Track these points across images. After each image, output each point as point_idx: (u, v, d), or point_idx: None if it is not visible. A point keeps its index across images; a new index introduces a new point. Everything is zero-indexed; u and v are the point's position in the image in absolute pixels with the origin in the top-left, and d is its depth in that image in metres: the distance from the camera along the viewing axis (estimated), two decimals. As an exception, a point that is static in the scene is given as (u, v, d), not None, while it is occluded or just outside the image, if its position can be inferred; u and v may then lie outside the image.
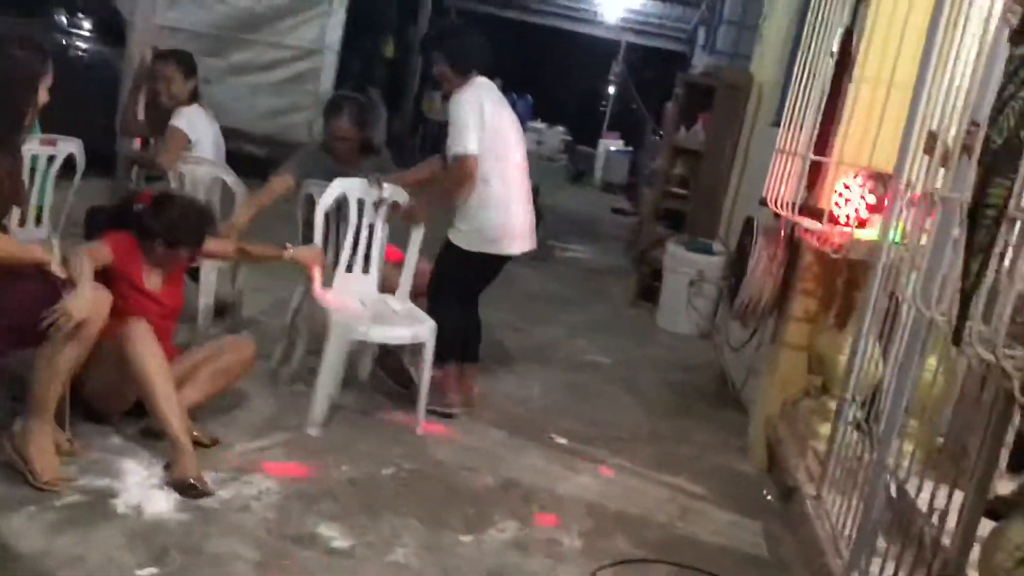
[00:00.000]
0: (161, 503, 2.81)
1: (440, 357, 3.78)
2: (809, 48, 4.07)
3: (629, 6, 14.86)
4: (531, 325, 5.87)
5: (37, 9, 6.52)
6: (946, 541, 2.37)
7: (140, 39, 6.01)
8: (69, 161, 3.87)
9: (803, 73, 4.07)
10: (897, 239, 3.03)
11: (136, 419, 3.18)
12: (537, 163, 10.29)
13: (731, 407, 4.89)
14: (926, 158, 2.79)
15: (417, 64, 13.41)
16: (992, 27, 2.31)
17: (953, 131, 2.59)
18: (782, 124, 4.27)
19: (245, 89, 8.95)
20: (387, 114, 12.59)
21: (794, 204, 3.84)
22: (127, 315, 3.04)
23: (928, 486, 2.50)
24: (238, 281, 4.48)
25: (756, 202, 4.46)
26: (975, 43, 2.53)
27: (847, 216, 3.74)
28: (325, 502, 3.03)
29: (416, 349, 3.79)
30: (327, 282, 3.77)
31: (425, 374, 3.71)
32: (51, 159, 3.75)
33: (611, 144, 16.18)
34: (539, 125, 13.30)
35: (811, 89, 3.94)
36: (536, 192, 10.36)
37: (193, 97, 4.34)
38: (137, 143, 5.11)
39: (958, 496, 2.40)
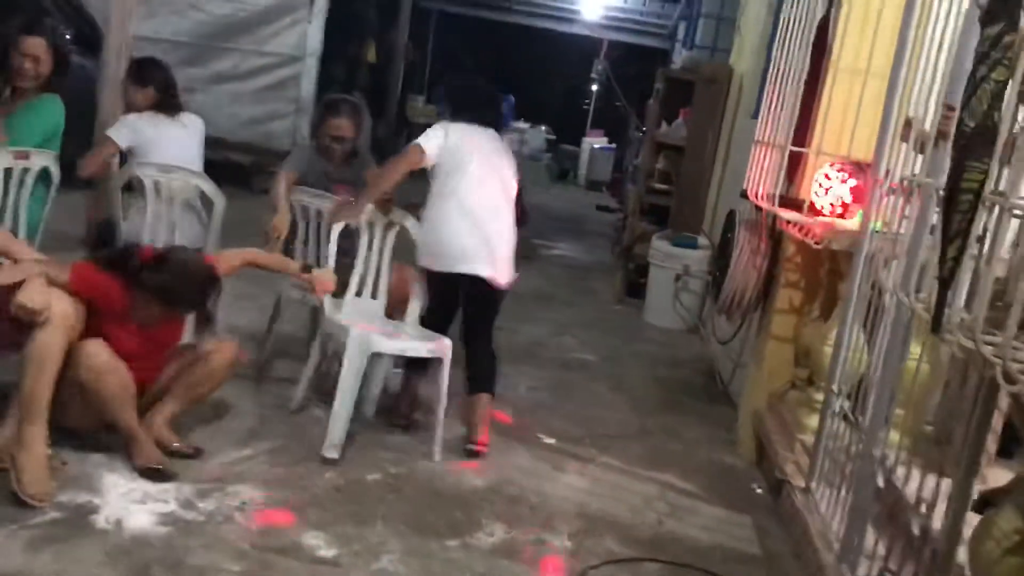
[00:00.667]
0: (143, 517, 2.77)
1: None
2: (785, 39, 4.06)
3: (609, 3, 14.86)
4: (516, 324, 5.83)
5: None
6: (936, 530, 2.36)
7: (115, 50, 5.97)
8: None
9: (780, 64, 4.06)
10: (877, 228, 3.02)
11: (117, 434, 3.13)
12: (520, 163, 10.30)
13: (719, 402, 4.88)
14: (904, 146, 2.78)
15: (400, 68, 13.38)
16: (964, 9, 2.30)
17: (929, 118, 2.58)
18: (760, 115, 4.26)
19: (226, 97, 8.92)
20: (371, 119, 12.55)
21: (774, 196, 3.83)
22: (112, 346, 2.99)
23: (916, 476, 2.49)
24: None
25: (738, 195, 4.45)
26: (949, 28, 2.52)
27: (827, 206, 3.73)
28: (310, 510, 3.00)
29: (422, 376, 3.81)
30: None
31: (442, 394, 3.59)
32: (25, 171, 3.70)
33: (595, 142, 16.18)
34: (522, 125, 13.28)
35: (788, 80, 3.93)
36: (520, 191, 10.36)
37: (159, 105, 4.26)
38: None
39: (947, 485, 2.38)
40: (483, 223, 3.70)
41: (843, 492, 2.96)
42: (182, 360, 3.27)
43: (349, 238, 3.86)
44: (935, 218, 2.34)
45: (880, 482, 2.70)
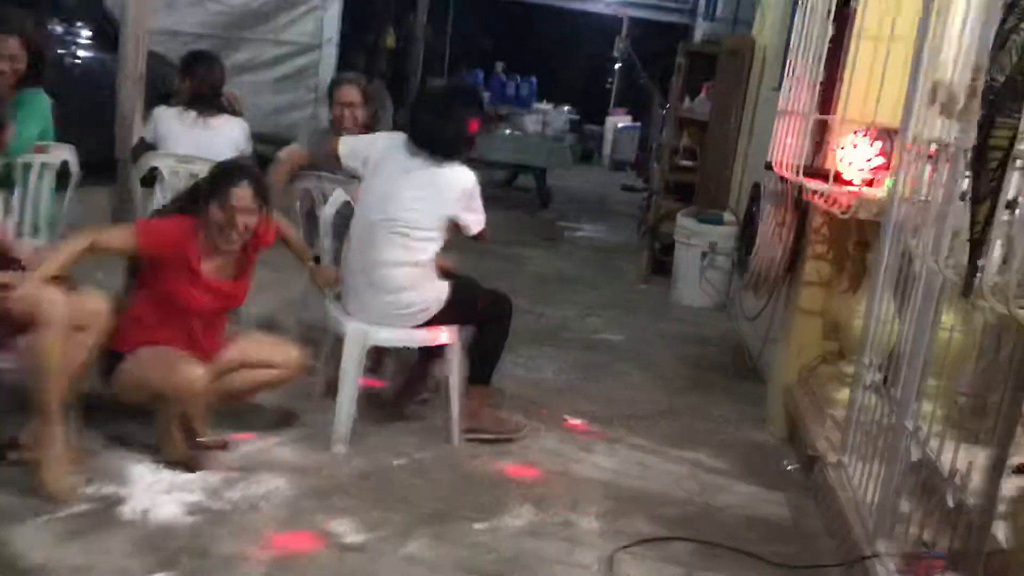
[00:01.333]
0: (169, 507, 2.78)
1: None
2: (808, 7, 3.97)
3: (629, -20, 14.72)
4: (541, 307, 5.80)
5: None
6: (972, 501, 2.30)
7: (132, 44, 5.98)
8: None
9: (803, 32, 3.97)
10: (906, 194, 2.94)
11: (146, 425, 3.13)
12: (542, 144, 10.24)
13: (749, 379, 4.81)
14: (931, 110, 2.70)
15: (419, 52, 13.32)
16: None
17: (957, 79, 2.49)
18: (783, 85, 4.18)
19: (247, 88, 8.86)
20: (392, 105, 12.52)
21: (799, 166, 3.75)
22: (178, 305, 3.01)
23: (950, 447, 2.42)
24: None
25: (763, 168, 4.37)
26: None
27: (854, 175, 3.65)
28: (337, 497, 2.99)
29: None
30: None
31: (455, 378, 3.50)
32: (44, 167, 3.71)
33: (619, 121, 16.04)
34: (544, 106, 13.17)
35: (811, 48, 3.84)
36: (542, 173, 10.30)
37: (191, 101, 4.25)
38: None
39: (982, 456, 2.32)
40: (364, 270, 3.41)
41: (876, 466, 2.90)
42: (251, 351, 3.23)
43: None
44: (965, 183, 2.27)
45: (914, 454, 2.64)
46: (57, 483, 2.72)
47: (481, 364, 3.56)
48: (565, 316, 5.78)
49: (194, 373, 2.93)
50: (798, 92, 3.92)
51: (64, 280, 2.85)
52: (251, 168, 3.23)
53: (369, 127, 4.19)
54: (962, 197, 2.32)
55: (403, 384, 3.86)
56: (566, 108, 13.84)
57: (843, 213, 3.45)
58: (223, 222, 3.01)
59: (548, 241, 8.37)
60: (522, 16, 16.37)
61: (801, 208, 3.96)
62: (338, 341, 3.43)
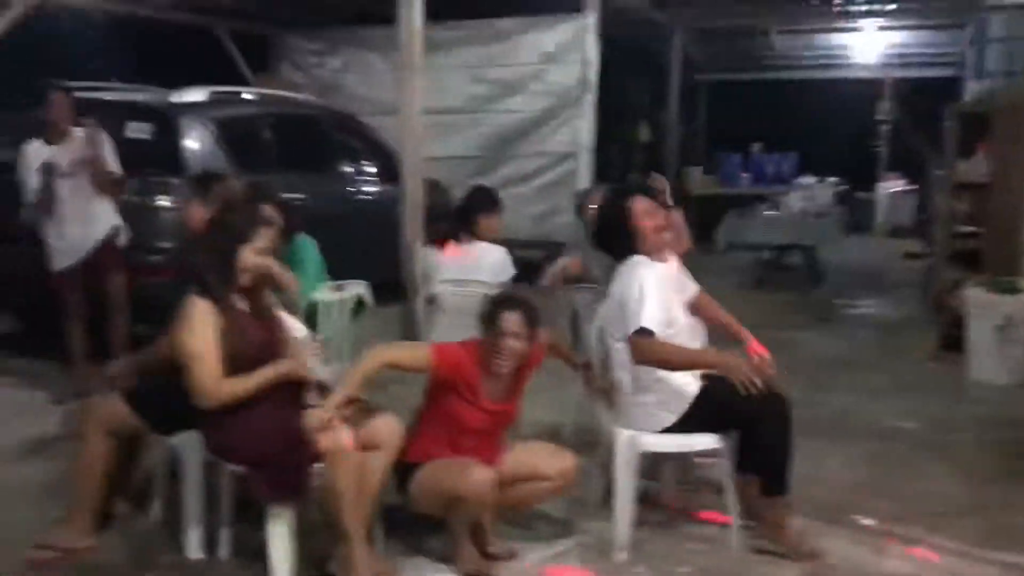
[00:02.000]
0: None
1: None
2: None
3: (889, 42, 14.11)
4: (821, 393, 5.56)
5: (326, 163, 7.34)
6: None
7: (411, 174, 6.57)
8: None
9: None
10: None
11: (441, 535, 3.36)
12: (807, 221, 9.92)
13: (1070, 465, 4.33)
14: None
15: (674, 143, 13.50)
16: None
17: None
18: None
19: (512, 200, 9.37)
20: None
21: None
22: (459, 424, 3.24)
23: None
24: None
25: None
26: None
27: None
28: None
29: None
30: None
31: (729, 481, 3.44)
32: (342, 303, 4.18)
33: (891, 186, 15.22)
34: (808, 181, 12.78)
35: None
36: (812, 251, 9.95)
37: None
38: None
39: None
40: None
41: None
42: (524, 463, 3.33)
43: None
44: None
45: None
46: None
47: (772, 472, 3.38)
48: (848, 402, 5.50)
49: (485, 476, 3.10)
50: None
51: (360, 403, 3.17)
52: (523, 297, 3.40)
53: None
54: None
55: (677, 489, 3.86)
56: (831, 180, 13.35)
57: None
58: (494, 347, 3.21)
59: (823, 321, 8.03)
60: (778, 93, 16.14)
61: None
62: (612, 447, 3.51)
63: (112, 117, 5.90)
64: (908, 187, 15.05)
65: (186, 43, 9.20)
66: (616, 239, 3.55)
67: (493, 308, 3.27)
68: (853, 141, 17.47)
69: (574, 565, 3.33)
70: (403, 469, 3.23)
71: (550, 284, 4.25)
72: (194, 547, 3.31)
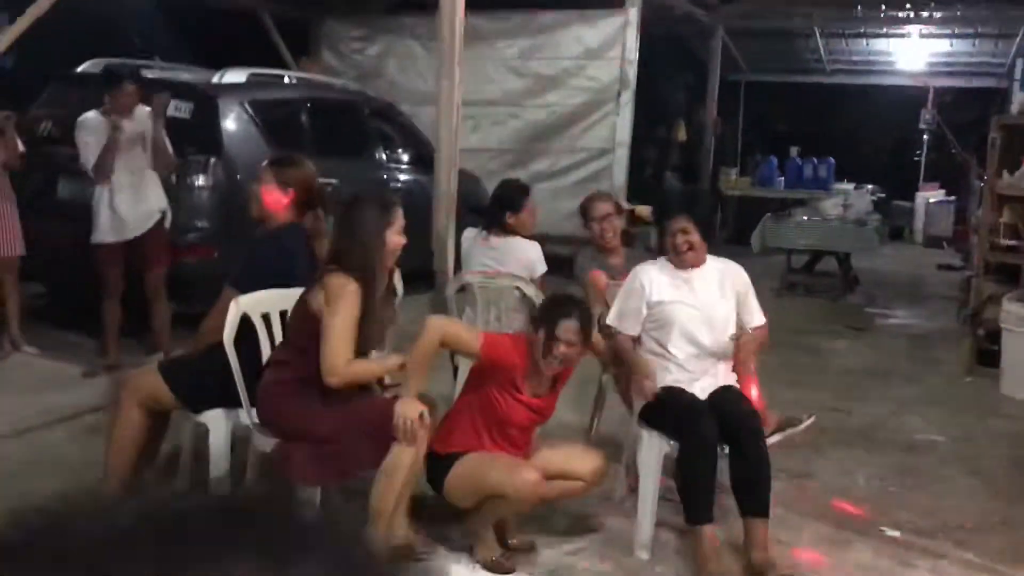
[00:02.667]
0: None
1: None
2: None
3: (934, 50, 13.91)
4: (851, 403, 5.50)
5: (362, 150, 7.37)
6: None
7: (445, 165, 6.57)
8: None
9: None
10: None
11: (461, 524, 3.37)
12: (843, 227, 9.81)
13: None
14: None
15: (711, 143, 13.40)
16: None
17: None
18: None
19: (546, 194, 9.38)
20: (687, 198, 12.70)
21: None
22: (496, 415, 3.23)
23: None
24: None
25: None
26: None
27: None
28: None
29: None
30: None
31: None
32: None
33: (930, 195, 15.00)
34: (845, 187, 12.63)
35: None
36: (846, 258, 9.83)
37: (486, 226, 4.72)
38: None
39: None
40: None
41: None
42: (554, 461, 3.32)
43: None
44: None
45: None
46: None
47: (739, 491, 3.30)
48: (877, 414, 5.43)
49: (533, 477, 3.09)
50: None
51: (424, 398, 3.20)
52: (582, 302, 3.37)
53: (628, 240, 4.29)
54: None
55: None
56: (869, 187, 13.19)
57: None
58: (546, 348, 3.18)
59: (855, 330, 7.94)
60: (818, 97, 15.97)
61: None
62: (636, 447, 3.49)
63: (153, 95, 5.99)
64: (947, 197, 14.85)
65: (228, 25, 9.25)
66: None
67: (551, 311, 3.23)
68: (893, 148, 17.27)
69: (594, 561, 3.31)
70: (435, 459, 3.22)
71: (583, 279, 4.23)
72: (217, 524, 3.33)
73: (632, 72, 9.21)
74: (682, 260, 3.59)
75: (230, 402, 3.29)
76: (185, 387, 3.32)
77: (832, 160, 13.47)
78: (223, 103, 5.92)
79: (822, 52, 14.76)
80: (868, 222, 9.91)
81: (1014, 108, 9.14)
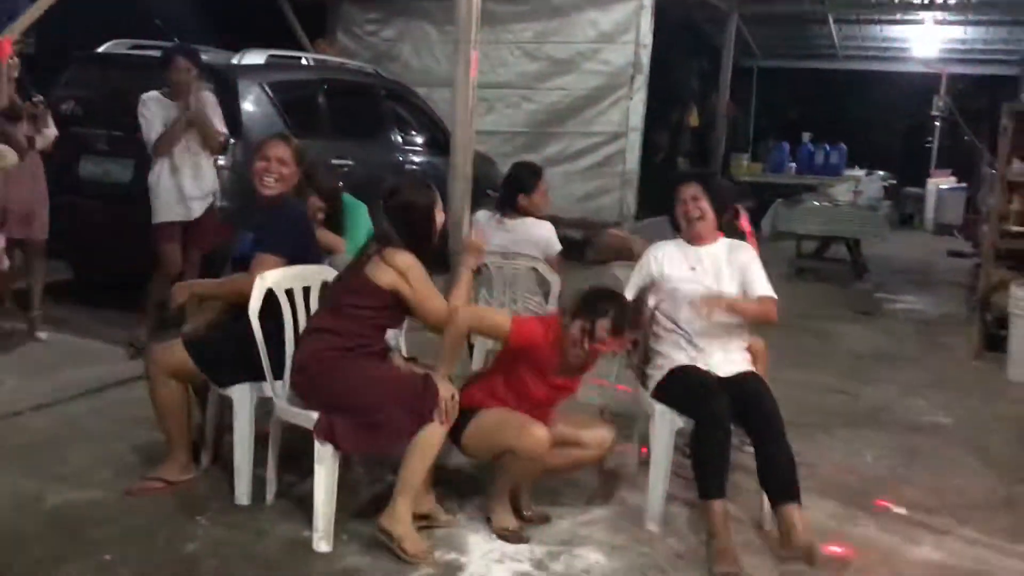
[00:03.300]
0: (503, 575, 3.05)
1: None
2: None
3: (948, 36, 13.89)
4: (858, 386, 5.58)
5: (377, 132, 7.43)
6: None
7: (461, 146, 6.64)
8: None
9: None
10: None
11: (478, 495, 3.47)
12: (854, 213, 9.84)
13: (1106, 468, 4.32)
14: None
15: (723, 129, 13.42)
16: None
17: None
18: None
19: (559, 178, 9.44)
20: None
21: None
22: (521, 391, 3.32)
23: None
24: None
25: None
26: None
27: None
28: (652, 575, 3.11)
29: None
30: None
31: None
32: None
33: (941, 182, 15.00)
34: (856, 173, 12.65)
35: None
36: (856, 244, 9.86)
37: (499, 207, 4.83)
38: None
39: None
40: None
41: None
42: (565, 431, 3.41)
43: None
44: None
45: None
46: (413, 549, 3.09)
47: (765, 478, 3.36)
48: (885, 396, 5.51)
49: (542, 434, 3.19)
50: None
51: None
52: (621, 299, 3.41)
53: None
54: None
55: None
56: (880, 173, 13.20)
57: None
58: (579, 341, 3.24)
59: (864, 315, 8.00)
60: (831, 84, 15.96)
61: None
62: (648, 421, 3.58)
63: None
64: (958, 184, 14.84)
65: (245, 7, 9.31)
66: None
67: (589, 306, 3.27)
68: (905, 135, 17.26)
69: (606, 533, 3.40)
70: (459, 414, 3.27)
71: (596, 258, 4.33)
72: (243, 494, 3.45)
73: (646, 56, 9.25)
74: (692, 228, 3.65)
75: (252, 374, 3.38)
76: (208, 360, 3.42)
77: (844, 146, 13.49)
78: (242, 84, 5.99)
79: (835, 38, 14.75)
80: (878, 208, 9.95)
81: (1026, 95, 9.14)
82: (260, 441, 3.46)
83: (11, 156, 4.82)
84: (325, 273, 3.60)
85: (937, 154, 15.86)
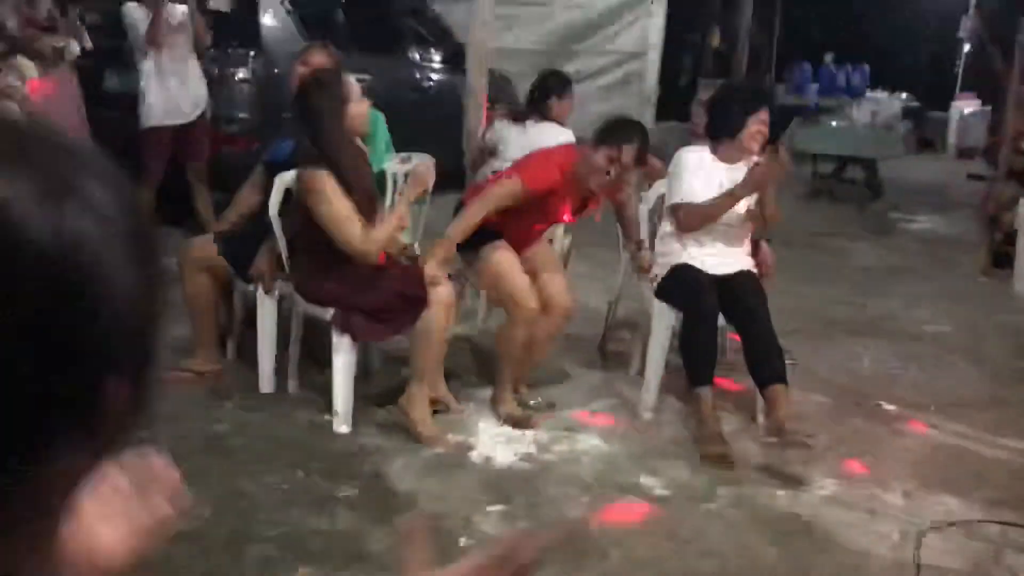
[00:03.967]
0: (507, 456, 3.27)
1: None
2: None
3: (977, -47, 13.63)
4: (864, 298, 5.71)
5: (395, 48, 7.51)
6: None
7: (476, 64, 6.71)
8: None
9: None
10: None
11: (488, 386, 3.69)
12: (870, 133, 9.84)
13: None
14: None
15: (745, 51, 13.30)
16: None
17: None
18: None
19: (577, 98, 9.48)
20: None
21: None
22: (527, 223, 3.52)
23: None
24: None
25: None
26: None
27: None
28: (650, 459, 3.32)
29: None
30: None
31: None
32: (407, 175, 4.40)
33: (965, 106, 14.84)
34: (878, 95, 12.57)
35: None
36: (873, 164, 9.85)
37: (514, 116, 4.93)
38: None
39: None
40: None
41: None
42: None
43: None
44: None
45: None
46: (428, 431, 3.32)
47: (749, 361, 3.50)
48: (890, 307, 5.64)
49: (533, 306, 3.43)
50: None
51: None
52: (645, 131, 3.52)
53: None
54: None
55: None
56: (902, 95, 13.08)
57: None
58: (600, 166, 3.36)
59: (877, 233, 8.09)
60: (856, 4, 15.70)
61: None
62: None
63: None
64: (982, 108, 14.67)
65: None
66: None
67: (614, 132, 3.38)
68: (930, 58, 17.00)
69: (605, 421, 3.61)
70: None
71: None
72: (267, 382, 3.67)
73: (665, -26, 9.21)
74: (751, 152, 3.58)
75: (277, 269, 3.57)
76: (235, 255, 3.61)
77: (867, 68, 13.38)
78: (263, -1, 6.08)
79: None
80: (896, 128, 9.93)
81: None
82: (282, 333, 3.67)
83: (29, 69, 4.94)
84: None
85: (963, 77, 15.65)
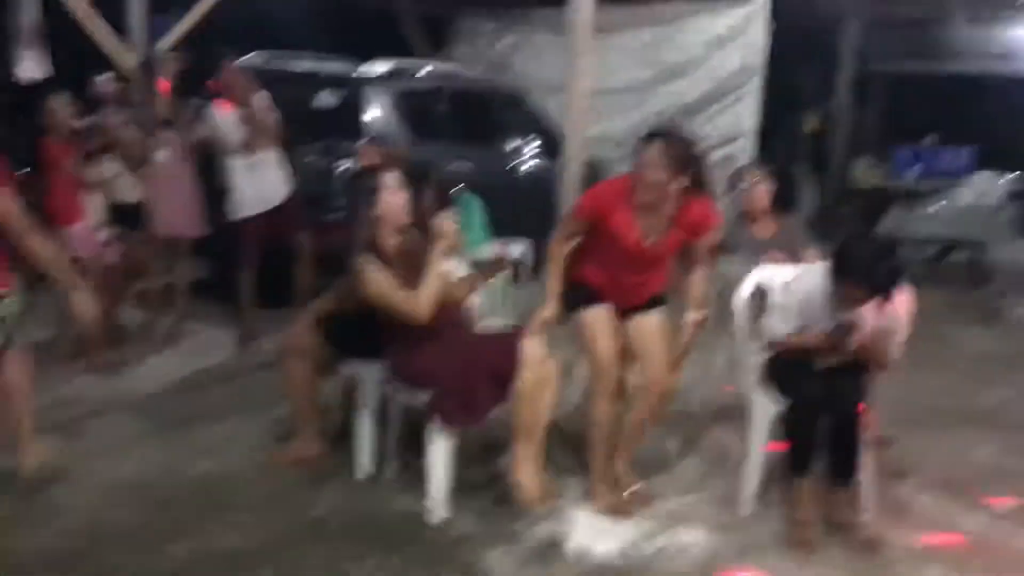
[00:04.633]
0: (606, 547, 3.22)
1: None
2: None
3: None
4: (975, 386, 5.47)
5: (494, 138, 7.71)
6: None
7: (572, 152, 6.82)
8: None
9: None
10: None
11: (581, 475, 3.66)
12: (975, 216, 9.50)
13: None
14: None
15: (844, 135, 13.18)
16: None
17: None
18: None
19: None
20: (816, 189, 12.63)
21: None
22: (600, 258, 3.49)
23: None
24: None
25: None
26: None
27: None
28: (751, 553, 3.23)
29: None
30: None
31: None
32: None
33: (1080, 184, 14.31)
34: (983, 176, 12.20)
35: None
36: (979, 247, 9.47)
37: None
38: None
39: None
40: None
41: None
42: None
43: None
44: None
45: None
46: (530, 493, 3.35)
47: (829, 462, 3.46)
48: (1004, 397, 5.38)
49: (611, 364, 3.41)
50: None
51: None
52: (673, 132, 3.47)
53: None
54: None
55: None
56: (1009, 176, 12.69)
57: None
58: (634, 177, 3.35)
59: (986, 320, 7.77)
60: (958, 85, 15.43)
61: None
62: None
63: (304, 86, 6.49)
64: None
65: (369, 19, 9.80)
66: None
67: (639, 141, 3.38)
68: (1041, 136, 16.51)
69: (705, 513, 3.52)
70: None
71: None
72: (364, 468, 3.72)
73: (760, 61, 9.24)
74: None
75: (377, 354, 3.64)
76: (339, 339, 3.71)
77: (970, 149, 13.03)
78: (367, 92, 6.36)
79: (962, 40, 14.28)
80: (1004, 210, 9.61)
81: None
82: (380, 419, 3.73)
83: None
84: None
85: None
